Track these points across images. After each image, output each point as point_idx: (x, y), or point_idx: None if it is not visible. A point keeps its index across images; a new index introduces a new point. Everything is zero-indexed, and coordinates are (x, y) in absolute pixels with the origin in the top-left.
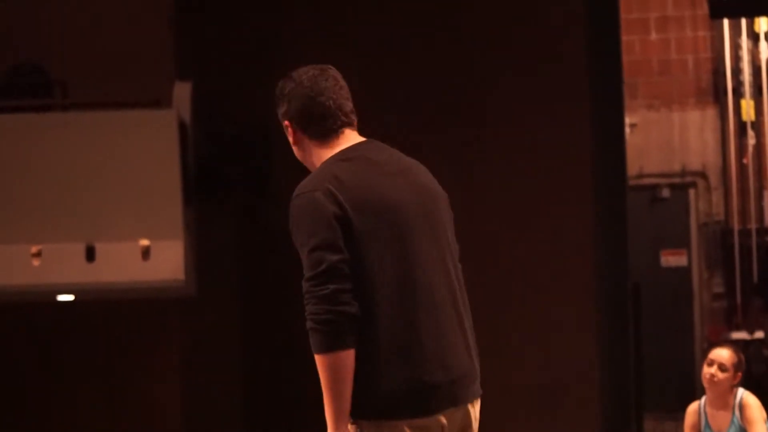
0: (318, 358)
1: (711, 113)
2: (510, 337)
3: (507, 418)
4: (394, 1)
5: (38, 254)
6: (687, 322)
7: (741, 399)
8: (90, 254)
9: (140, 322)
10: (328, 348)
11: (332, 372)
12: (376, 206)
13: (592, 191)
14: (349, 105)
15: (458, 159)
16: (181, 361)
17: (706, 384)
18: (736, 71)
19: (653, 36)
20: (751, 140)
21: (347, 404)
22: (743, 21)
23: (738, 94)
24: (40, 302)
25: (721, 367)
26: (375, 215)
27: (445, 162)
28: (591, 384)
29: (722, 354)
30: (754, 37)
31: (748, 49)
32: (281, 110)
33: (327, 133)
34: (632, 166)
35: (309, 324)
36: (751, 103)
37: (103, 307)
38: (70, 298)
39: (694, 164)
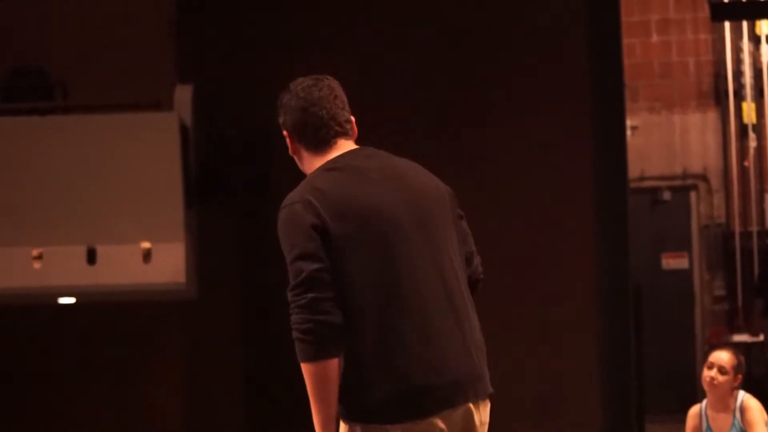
0: (303, 366)
1: (712, 116)
2: (510, 340)
3: (507, 420)
4: (395, 3)
5: (39, 257)
6: (688, 325)
7: (742, 402)
8: (91, 257)
9: (141, 325)
10: (310, 357)
11: (316, 380)
12: (357, 214)
13: (593, 194)
14: (344, 115)
15: (459, 162)
16: (182, 363)
17: (706, 387)
18: (738, 74)
19: (654, 39)
20: (752, 143)
21: (333, 410)
22: (744, 24)
23: (739, 96)
24: (41, 305)
25: (721, 370)
26: (357, 223)
27: (445, 165)
28: (592, 387)
29: (722, 357)
30: (755, 39)
31: (749, 51)
32: (280, 121)
33: (320, 143)
34: (633, 169)
35: (294, 333)
36: (752, 105)
37: (104, 310)
38: (71, 300)
39: (696, 167)
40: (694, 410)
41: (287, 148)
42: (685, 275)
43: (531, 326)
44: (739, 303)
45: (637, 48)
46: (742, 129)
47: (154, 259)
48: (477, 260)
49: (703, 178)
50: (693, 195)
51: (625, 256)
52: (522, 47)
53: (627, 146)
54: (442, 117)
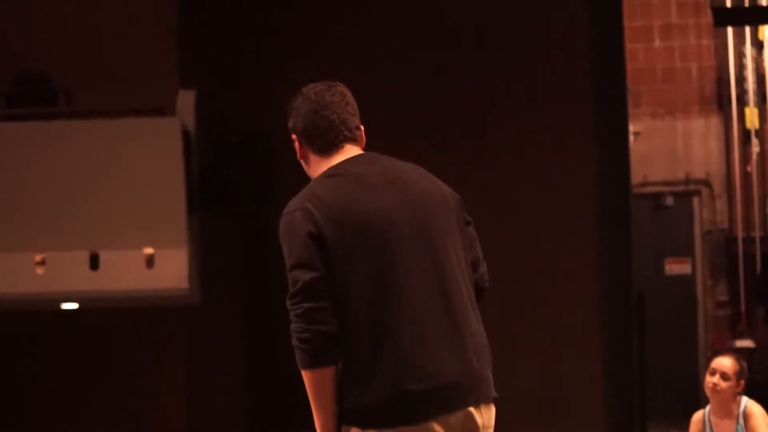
0: (302, 372)
1: (715, 121)
2: (514, 345)
3: (511, 425)
4: (397, 7)
5: (42, 262)
6: (691, 330)
7: (745, 407)
8: (94, 262)
9: (144, 330)
10: (308, 365)
11: (314, 385)
12: (355, 221)
13: (596, 199)
14: (354, 121)
15: (462, 167)
16: (185, 369)
17: (709, 393)
18: (740, 79)
19: (657, 44)
20: (755, 148)
21: (332, 413)
22: (747, 29)
23: (742, 102)
24: (44, 310)
25: (724, 376)
26: (354, 230)
27: (447, 170)
28: (595, 392)
29: (724, 363)
30: (758, 45)
31: (751, 57)
32: (289, 124)
33: (328, 147)
34: (636, 174)
35: (292, 341)
36: (755, 111)
37: (107, 315)
38: (74, 306)
39: (698, 172)
40: (697, 416)
41: (293, 152)
42: (687, 280)
43: (534, 331)
44: (742, 308)
45: (640, 53)
46: (745, 134)
47: (156, 265)
48: (483, 267)
49: (706, 183)
50: (696, 200)
51: (628, 262)
52: (525, 52)
53: (630, 152)
54: (444, 123)
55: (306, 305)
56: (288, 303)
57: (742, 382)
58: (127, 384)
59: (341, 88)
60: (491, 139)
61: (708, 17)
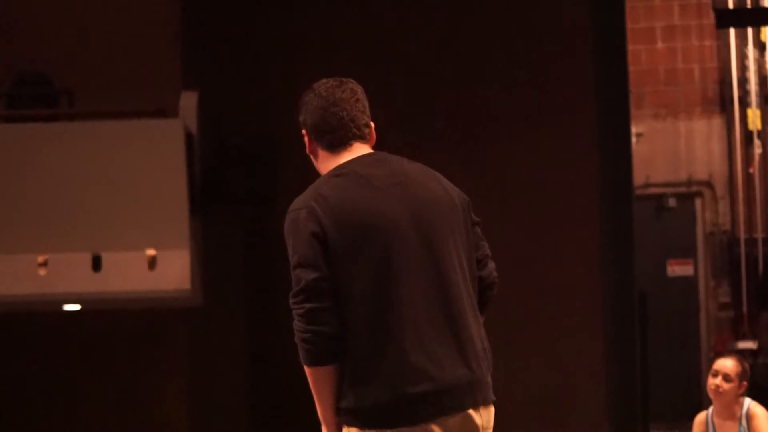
0: (305, 368)
1: (717, 122)
2: (516, 346)
3: (512, 426)
4: (399, 12)
5: (44, 264)
6: (693, 332)
7: (748, 409)
8: (96, 264)
9: (146, 332)
10: (309, 362)
11: (316, 381)
12: (358, 222)
13: (599, 201)
14: (364, 119)
15: (464, 169)
16: (187, 370)
17: (711, 395)
18: (743, 80)
19: (659, 45)
20: (758, 149)
21: (332, 407)
22: (749, 30)
23: (744, 103)
24: (47, 312)
25: (726, 378)
26: (356, 231)
27: (449, 173)
28: (597, 393)
29: (726, 364)
30: (760, 46)
31: (754, 58)
32: (300, 119)
33: (337, 144)
34: (638, 176)
35: (295, 338)
36: (758, 112)
37: (110, 317)
38: (76, 307)
39: (701, 174)
40: (700, 417)
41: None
42: (690, 282)
43: (536, 332)
44: (744, 310)
45: (642, 55)
46: (747, 136)
47: (159, 266)
48: (491, 264)
49: (708, 185)
50: (698, 202)
51: (630, 263)
52: (527, 54)
53: (632, 153)
54: (445, 124)
55: (308, 306)
56: (291, 301)
57: (745, 383)
58: (130, 385)
59: (352, 84)
60: (493, 140)
61: (710, 19)
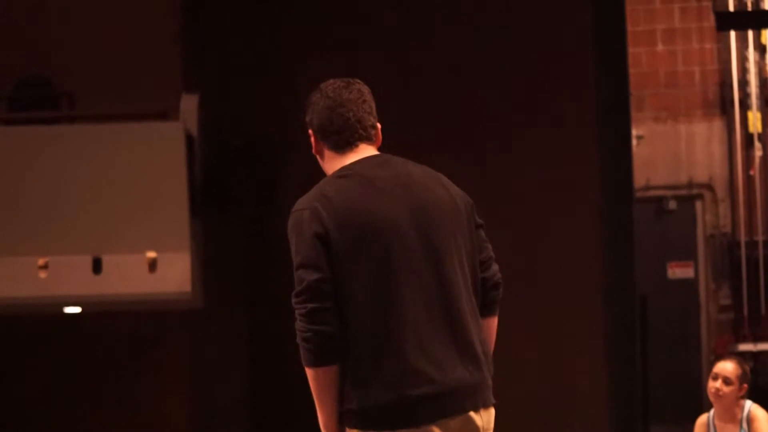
0: (306, 369)
1: (718, 125)
2: (516, 349)
3: (513, 428)
4: (400, 13)
5: (45, 266)
6: (694, 334)
7: (749, 412)
8: (97, 266)
9: (147, 334)
10: (311, 363)
11: (317, 383)
12: (360, 224)
13: (599, 203)
14: (370, 120)
15: (465, 171)
16: (188, 372)
17: (712, 398)
18: (743, 83)
19: (660, 48)
20: (758, 152)
21: (333, 411)
22: (750, 33)
23: (745, 106)
24: (47, 314)
25: (726, 381)
26: (359, 233)
27: (451, 174)
28: (597, 395)
29: (726, 367)
30: (760, 49)
31: (754, 61)
32: (306, 119)
33: (343, 145)
34: (639, 178)
35: (297, 338)
36: (758, 115)
37: (110, 319)
38: (76, 310)
39: (701, 176)
40: (701, 420)
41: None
42: (690, 284)
43: (536, 334)
44: (745, 312)
45: (643, 57)
46: (748, 138)
47: (159, 269)
48: (495, 266)
49: (709, 187)
50: (698, 204)
51: (631, 266)
52: (528, 56)
53: (632, 156)
54: (446, 127)
55: (309, 306)
56: (293, 301)
57: (745, 386)
58: (130, 388)
59: (359, 85)
60: (493, 142)
61: (711, 21)
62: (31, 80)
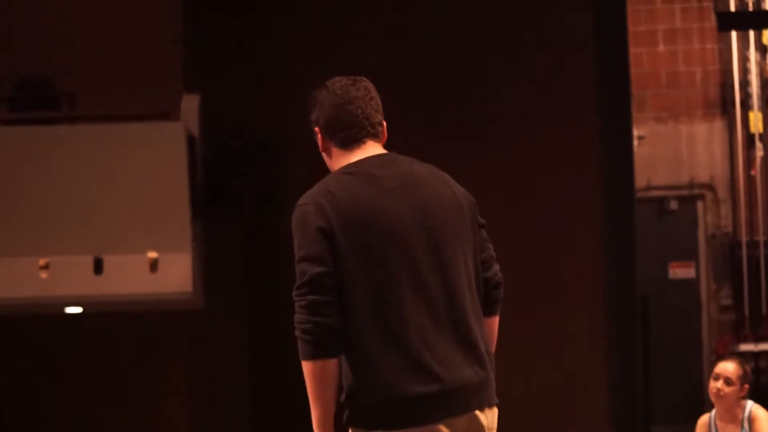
0: (303, 364)
1: (719, 125)
2: (518, 349)
3: (514, 428)
4: (401, 15)
5: (46, 267)
6: (695, 335)
7: (750, 412)
8: (98, 267)
9: (148, 334)
10: (309, 356)
11: (314, 378)
12: (365, 221)
13: (600, 203)
14: (377, 117)
15: (467, 172)
16: (189, 372)
17: (713, 399)
18: (744, 83)
19: (661, 48)
20: (759, 152)
21: (330, 408)
22: (751, 33)
23: (746, 106)
24: (48, 314)
25: (727, 381)
26: (363, 230)
27: (454, 175)
28: (599, 396)
29: (727, 368)
30: (762, 49)
31: (756, 61)
32: (312, 117)
33: (350, 142)
34: (640, 179)
35: (295, 331)
36: (759, 115)
37: (111, 320)
38: (78, 310)
39: (702, 176)
40: (703, 420)
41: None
42: (691, 285)
43: (538, 334)
44: (746, 312)
45: (644, 57)
46: (749, 138)
47: (160, 269)
48: (496, 266)
49: (710, 187)
50: (700, 204)
51: (632, 266)
52: (529, 56)
53: (634, 156)
54: (447, 127)
55: (311, 297)
56: (294, 294)
57: (746, 386)
58: (131, 388)
59: (366, 83)
60: (495, 143)
61: (712, 21)
62: (32, 80)
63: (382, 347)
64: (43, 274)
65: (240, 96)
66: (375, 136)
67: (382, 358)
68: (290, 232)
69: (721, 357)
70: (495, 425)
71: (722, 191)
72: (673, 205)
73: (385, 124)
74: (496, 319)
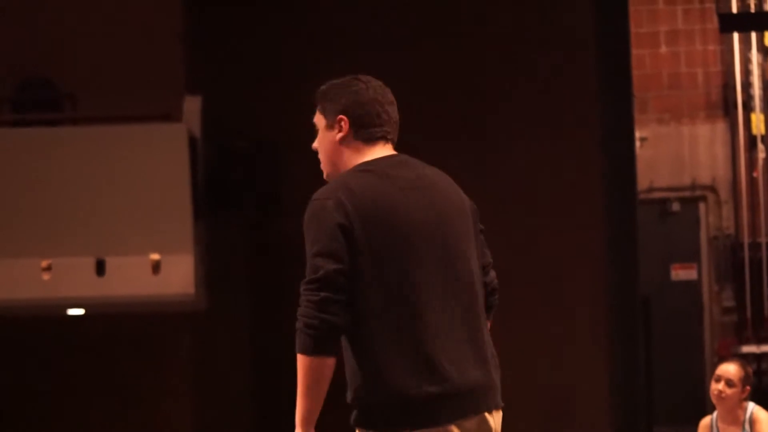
0: (299, 358)
1: (721, 127)
2: (520, 351)
3: (515, 430)
4: (403, 17)
5: (48, 268)
6: (697, 336)
7: (751, 414)
8: (100, 268)
9: (150, 336)
10: (308, 350)
11: (309, 373)
12: (382, 221)
13: (603, 205)
14: (397, 122)
15: (468, 174)
16: (191, 374)
17: (714, 400)
18: (746, 85)
19: (663, 50)
20: (761, 154)
21: (317, 406)
22: (753, 35)
23: (748, 107)
24: (50, 316)
25: (729, 383)
26: (380, 230)
27: (455, 176)
28: (601, 397)
29: (729, 369)
30: (763, 51)
31: (758, 63)
32: (339, 102)
33: (371, 139)
34: (642, 180)
35: (297, 323)
36: (761, 116)
37: (113, 321)
38: (80, 312)
39: (704, 178)
40: (705, 422)
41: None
42: (693, 286)
43: (540, 336)
44: (748, 314)
45: (646, 59)
46: (751, 140)
47: (163, 271)
48: (493, 273)
49: (712, 189)
50: (702, 206)
51: (635, 268)
52: (531, 58)
53: (636, 157)
54: (449, 128)
55: (323, 294)
56: (303, 287)
57: (748, 388)
58: (133, 389)
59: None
60: (497, 144)
61: (714, 23)
62: (34, 82)
63: (395, 347)
64: (45, 276)
65: (242, 97)
66: (393, 140)
67: (395, 357)
68: (292, 233)
69: (723, 358)
70: (499, 428)
71: (724, 193)
72: (675, 206)
73: None
74: (489, 324)
